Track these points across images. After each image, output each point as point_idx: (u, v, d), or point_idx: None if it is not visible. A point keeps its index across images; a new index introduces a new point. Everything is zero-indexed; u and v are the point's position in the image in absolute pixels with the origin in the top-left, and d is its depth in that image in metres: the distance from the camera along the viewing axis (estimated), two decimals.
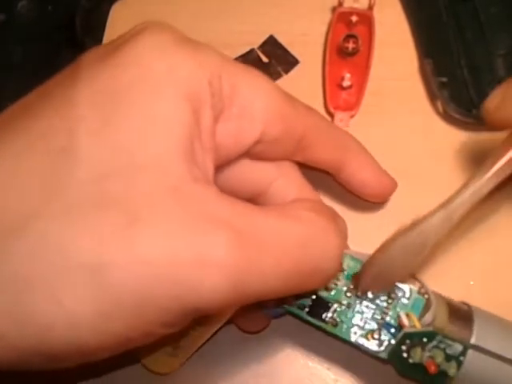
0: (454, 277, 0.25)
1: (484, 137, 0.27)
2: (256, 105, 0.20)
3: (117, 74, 0.16)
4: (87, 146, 0.15)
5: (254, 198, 0.23)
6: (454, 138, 0.28)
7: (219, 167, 0.21)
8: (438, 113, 0.28)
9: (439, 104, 0.28)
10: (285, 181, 0.23)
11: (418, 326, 0.21)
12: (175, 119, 0.16)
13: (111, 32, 0.31)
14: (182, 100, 0.17)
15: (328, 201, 0.27)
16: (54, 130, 0.16)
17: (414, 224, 0.21)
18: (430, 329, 0.21)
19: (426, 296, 0.22)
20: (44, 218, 0.15)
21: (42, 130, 0.16)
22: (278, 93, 0.20)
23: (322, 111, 0.29)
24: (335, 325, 0.22)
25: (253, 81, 0.20)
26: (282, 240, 0.17)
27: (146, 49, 0.17)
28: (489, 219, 0.26)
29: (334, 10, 0.29)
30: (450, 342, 0.21)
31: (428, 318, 0.21)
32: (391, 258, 0.21)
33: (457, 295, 0.24)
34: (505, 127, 0.21)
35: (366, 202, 0.26)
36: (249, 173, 0.22)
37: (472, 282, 0.25)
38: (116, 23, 0.31)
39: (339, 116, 0.28)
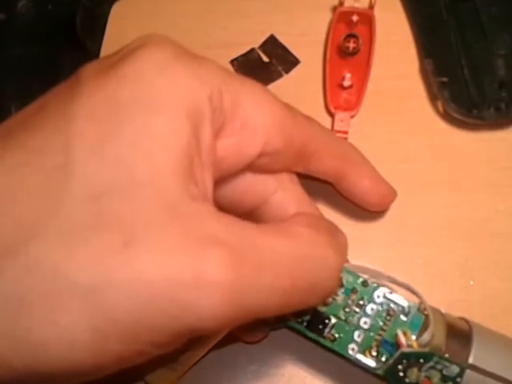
0: (454, 277, 0.25)
1: (484, 137, 0.27)
2: (257, 118, 0.19)
3: (116, 89, 0.16)
4: (84, 162, 0.15)
5: (253, 211, 0.23)
6: (454, 137, 0.28)
7: (221, 181, 0.21)
8: (438, 113, 0.28)
9: (439, 104, 0.28)
10: (284, 193, 0.23)
11: (415, 346, 0.21)
12: (174, 136, 0.16)
13: (111, 32, 0.30)
14: (181, 116, 0.16)
15: (328, 210, 0.27)
16: (50, 145, 0.16)
17: None
18: (427, 350, 0.21)
19: (425, 312, 0.22)
20: (39, 238, 0.15)
21: (38, 145, 0.16)
22: (278, 105, 0.20)
23: (323, 111, 0.29)
24: (333, 340, 0.22)
25: (254, 94, 0.20)
26: (279, 258, 0.17)
27: (146, 65, 0.17)
28: (489, 219, 0.26)
29: (334, 9, 0.29)
30: (447, 364, 0.20)
31: (426, 337, 0.21)
32: None
33: (457, 295, 0.24)
34: None
35: (367, 211, 0.26)
36: (249, 185, 0.22)
37: (472, 282, 0.25)
38: (116, 23, 0.31)
39: (340, 116, 0.28)
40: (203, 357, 0.23)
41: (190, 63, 0.18)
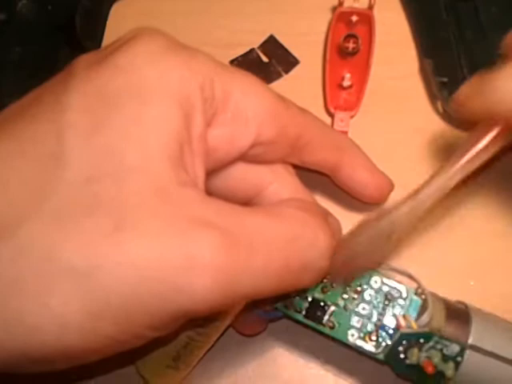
0: (454, 277, 0.25)
1: None
2: (250, 109, 0.20)
3: (108, 79, 0.17)
4: (76, 149, 0.15)
5: (249, 202, 0.23)
6: (453, 137, 0.28)
7: (214, 171, 0.21)
8: (438, 113, 0.28)
9: (439, 104, 0.28)
10: (279, 184, 0.23)
11: (415, 327, 0.21)
12: (165, 124, 0.16)
13: (111, 32, 0.31)
14: (172, 105, 0.17)
15: (326, 202, 0.27)
16: (43, 134, 0.16)
17: (383, 213, 0.20)
18: (427, 330, 0.21)
19: (422, 296, 0.22)
20: (32, 222, 0.15)
21: (32, 133, 0.16)
22: (271, 96, 0.21)
23: (322, 111, 0.29)
24: (332, 327, 0.22)
25: (246, 85, 0.20)
26: (269, 238, 0.17)
27: (137, 55, 0.17)
28: (489, 218, 0.26)
29: (334, 9, 0.29)
30: (446, 343, 0.21)
31: (425, 318, 0.21)
32: (360, 244, 0.21)
33: (457, 295, 0.24)
34: (472, 120, 0.20)
35: (364, 203, 0.26)
36: (244, 176, 0.22)
37: (472, 282, 0.25)
38: (116, 23, 0.31)
39: (339, 116, 0.28)
40: (205, 355, 0.23)
41: (181, 53, 0.18)
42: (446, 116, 0.28)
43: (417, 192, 0.20)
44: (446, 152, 0.27)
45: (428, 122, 0.28)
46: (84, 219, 0.15)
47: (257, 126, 0.20)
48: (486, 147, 0.19)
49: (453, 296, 0.24)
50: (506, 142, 0.19)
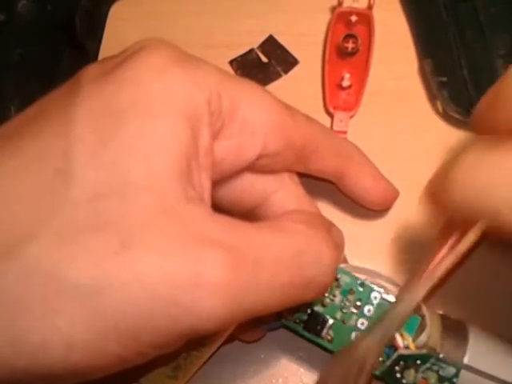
0: (454, 277, 0.25)
1: (483, 137, 0.27)
2: (256, 120, 0.20)
3: (115, 94, 0.16)
4: (83, 166, 0.15)
5: (253, 210, 0.23)
6: (453, 137, 0.28)
7: (220, 181, 0.21)
8: (437, 113, 0.28)
9: (439, 104, 0.28)
10: (284, 193, 0.23)
11: (413, 348, 0.21)
12: (172, 139, 0.16)
13: (111, 32, 0.31)
14: (179, 120, 0.17)
15: (330, 209, 0.27)
16: (50, 150, 0.16)
17: (355, 344, 0.21)
18: (424, 351, 0.21)
19: (421, 313, 0.22)
20: (38, 241, 0.15)
21: (38, 150, 0.16)
22: (278, 107, 0.21)
23: (322, 111, 0.29)
24: (330, 340, 0.22)
25: (253, 96, 0.20)
26: (275, 255, 0.17)
27: (144, 69, 0.17)
28: None
29: (333, 9, 0.29)
30: (443, 365, 0.21)
31: (423, 338, 0.21)
32: (337, 377, 0.21)
33: (456, 295, 0.24)
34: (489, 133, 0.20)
35: (368, 209, 0.26)
36: (249, 185, 0.22)
37: (470, 282, 0.25)
38: (116, 23, 0.31)
39: (339, 116, 0.28)
40: (205, 362, 0.23)
41: (188, 67, 0.18)
42: (446, 116, 0.28)
43: (383, 319, 0.21)
44: (445, 151, 0.27)
45: (427, 122, 0.28)
46: (90, 238, 0.15)
47: (263, 137, 0.20)
48: (447, 256, 0.20)
49: (452, 296, 0.24)
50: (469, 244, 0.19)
